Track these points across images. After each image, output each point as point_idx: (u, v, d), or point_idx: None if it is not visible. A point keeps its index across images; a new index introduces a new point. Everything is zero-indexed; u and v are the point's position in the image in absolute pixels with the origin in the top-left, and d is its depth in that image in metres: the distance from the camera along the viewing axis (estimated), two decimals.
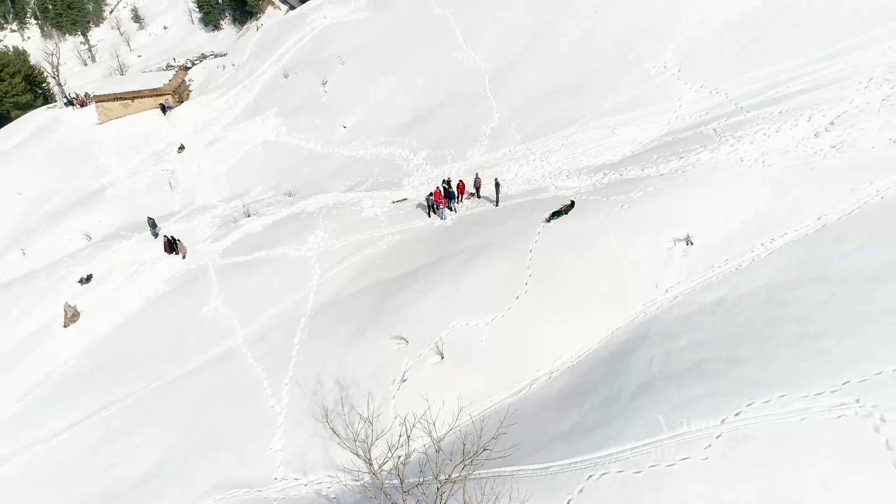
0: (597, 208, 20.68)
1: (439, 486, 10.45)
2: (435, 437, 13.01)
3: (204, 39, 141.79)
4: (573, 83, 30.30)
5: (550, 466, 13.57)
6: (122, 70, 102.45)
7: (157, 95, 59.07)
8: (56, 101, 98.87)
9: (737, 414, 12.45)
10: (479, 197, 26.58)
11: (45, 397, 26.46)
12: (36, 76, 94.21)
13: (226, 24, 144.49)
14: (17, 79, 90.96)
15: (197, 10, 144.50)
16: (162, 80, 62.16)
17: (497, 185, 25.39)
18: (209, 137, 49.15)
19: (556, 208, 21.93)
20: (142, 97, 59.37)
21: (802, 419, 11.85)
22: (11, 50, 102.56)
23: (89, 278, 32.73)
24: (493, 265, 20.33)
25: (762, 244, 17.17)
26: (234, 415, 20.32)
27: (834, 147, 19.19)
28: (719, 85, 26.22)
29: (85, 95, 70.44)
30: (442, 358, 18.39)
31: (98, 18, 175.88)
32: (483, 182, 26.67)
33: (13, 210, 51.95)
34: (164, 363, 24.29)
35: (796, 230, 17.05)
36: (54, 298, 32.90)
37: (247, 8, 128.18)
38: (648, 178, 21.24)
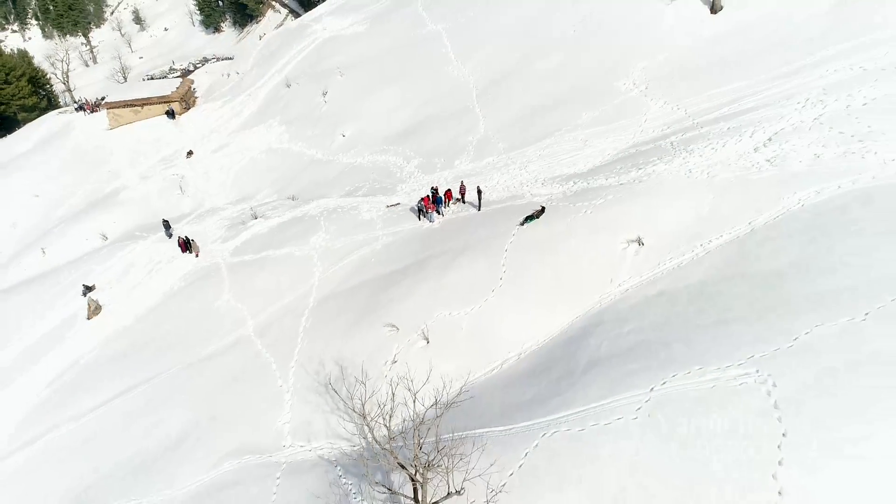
0: (564, 214, 23.38)
1: (416, 427, 13.04)
2: (412, 390, 15.76)
3: (204, 41, 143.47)
4: (553, 100, 32.97)
5: (513, 428, 16.27)
6: (124, 72, 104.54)
7: (165, 102, 61.72)
8: (60, 103, 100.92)
9: (662, 384, 15.14)
10: (463, 202, 29.23)
11: (73, 382, 29.16)
12: (39, 78, 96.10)
13: (226, 26, 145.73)
14: (24, 81, 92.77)
15: (198, 12, 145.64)
16: (170, 87, 64.69)
17: (479, 192, 28.06)
18: (216, 144, 51.71)
19: (529, 213, 24.66)
20: (151, 104, 61.95)
21: (713, 386, 14.55)
22: (16, 52, 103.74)
23: (92, 288, 35.44)
24: (473, 263, 23.05)
25: (701, 245, 19.87)
26: (247, 393, 23.04)
27: (769, 161, 21.88)
28: (680, 102, 28.95)
29: (96, 101, 73.02)
30: (427, 342, 21.06)
31: (99, 20, 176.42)
32: (468, 189, 29.38)
33: (31, 212, 54.47)
34: (182, 350, 27.01)
35: (730, 233, 19.75)
36: (77, 294, 35.58)
37: (247, 11, 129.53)
38: (610, 187, 23.95)
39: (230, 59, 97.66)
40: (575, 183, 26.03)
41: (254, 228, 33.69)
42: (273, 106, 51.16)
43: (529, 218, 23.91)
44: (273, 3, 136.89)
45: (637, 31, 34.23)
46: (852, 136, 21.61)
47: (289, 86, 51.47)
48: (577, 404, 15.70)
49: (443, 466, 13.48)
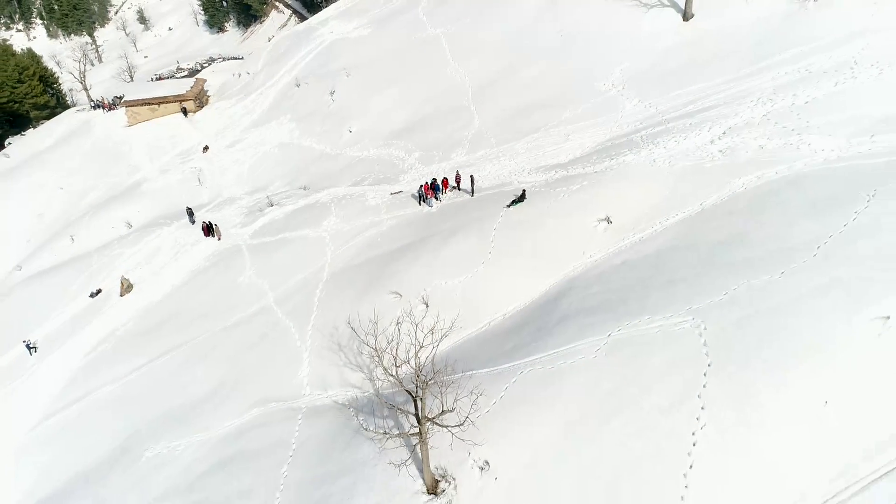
0: (545, 197, 26.65)
1: (417, 351, 16.14)
2: (413, 319, 18.96)
3: (209, 41, 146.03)
4: (540, 98, 36.13)
5: (496, 369, 19.46)
6: (130, 71, 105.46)
7: (180, 101, 64.78)
8: (68, 102, 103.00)
9: (618, 330, 18.31)
10: (459, 189, 32.36)
11: (113, 349, 32.40)
12: (48, 77, 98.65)
13: (230, 26, 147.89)
14: (35, 80, 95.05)
15: (202, 12, 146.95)
16: (184, 86, 67.74)
17: (472, 180, 31.21)
18: (230, 139, 54.80)
19: (520, 195, 27.82)
20: (167, 102, 65.09)
21: (658, 331, 17.70)
22: (25, 51, 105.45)
23: (98, 292, 38.25)
24: (465, 240, 26.30)
25: (659, 222, 23.03)
26: (270, 353, 26.29)
27: (721, 151, 25.02)
28: (652, 100, 32.11)
29: (113, 99, 76.03)
30: (427, 307, 24.21)
31: (103, 19, 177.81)
32: (462, 178, 32.50)
33: (57, 203, 57.59)
34: (210, 319, 30.23)
35: (684, 213, 22.92)
36: (109, 274, 38.69)
37: (251, 12, 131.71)
38: (586, 175, 27.13)
39: (237, 58, 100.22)
40: (556, 172, 29.21)
41: (270, 214, 36.96)
42: (284, 104, 54.31)
43: (515, 201, 27.16)
44: (276, 3, 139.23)
45: (616, 37, 37.42)
46: (793, 129, 24.78)
47: (298, 85, 54.63)
48: (548, 348, 18.93)
49: (438, 384, 16.63)
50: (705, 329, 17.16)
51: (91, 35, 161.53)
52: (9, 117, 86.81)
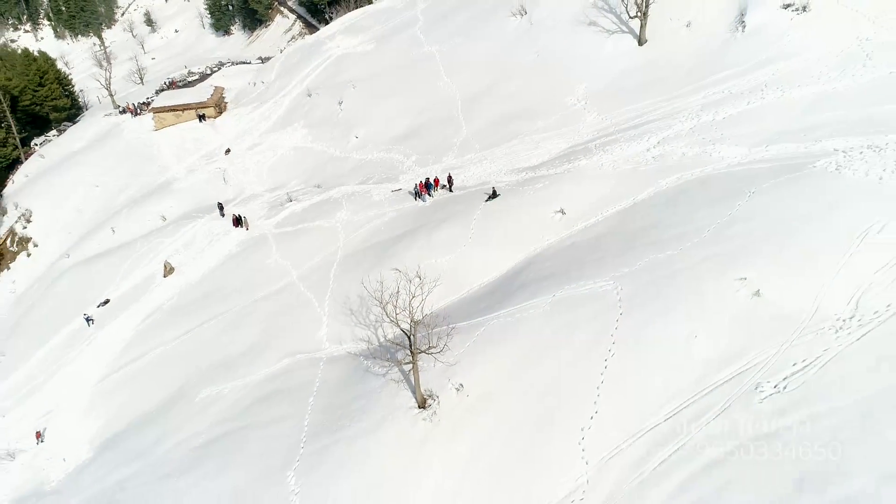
0: (515, 194, 32.75)
1: (410, 299, 21.99)
2: (403, 272, 24.80)
3: (214, 44, 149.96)
4: (517, 110, 42.02)
5: (472, 321, 25.37)
6: (140, 73, 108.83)
7: (202, 107, 70.42)
8: (80, 104, 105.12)
9: (560, 292, 24.12)
10: (450, 190, 38.23)
11: (161, 320, 38.25)
12: (63, 79, 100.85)
13: (235, 29, 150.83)
14: (55, 84, 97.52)
15: (208, 15, 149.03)
16: (205, 94, 73.33)
17: (450, 179, 37.60)
18: (249, 143, 60.47)
19: (490, 194, 33.67)
20: (190, 109, 70.74)
21: (588, 291, 23.51)
22: (40, 54, 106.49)
23: (106, 302, 43.19)
24: (451, 227, 32.38)
25: (601, 213, 28.98)
26: (296, 317, 32.26)
27: (654, 157, 30.89)
28: (608, 114, 37.93)
29: (137, 105, 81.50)
30: (420, 279, 29.99)
31: (110, 21, 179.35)
32: (454, 179, 38.39)
33: (94, 200, 63.18)
34: (244, 293, 36.17)
35: (619, 206, 28.84)
36: (152, 259, 44.45)
37: (257, 16, 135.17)
38: (548, 176, 33.08)
39: (245, 62, 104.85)
40: (526, 173, 35.22)
41: (290, 208, 42.86)
42: (297, 112, 60.00)
43: (490, 197, 33.07)
44: (281, 8, 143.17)
45: (582, 59, 43.18)
46: (710, 140, 30.67)
47: (310, 95, 60.32)
48: (510, 306, 24.89)
49: (425, 326, 22.45)
50: (621, 289, 23.03)
51: (99, 36, 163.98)
52: (29, 119, 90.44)
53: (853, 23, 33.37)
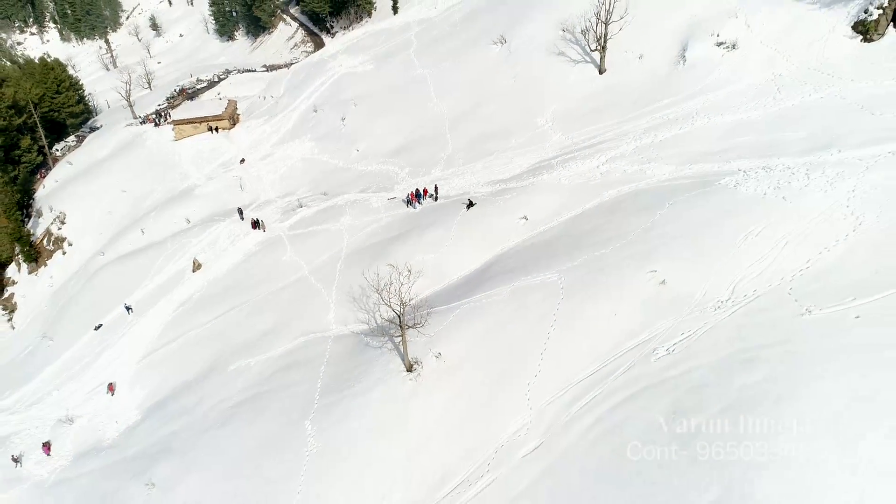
0: (489, 203, 38.76)
1: (399, 286, 27.79)
2: (395, 266, 30.48)
3: (218, 49, 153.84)
4: (495, 130, 47.86)
5: (449, 306, 31.12)
6: (148, 78, 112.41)
7: (218, 120, 76.10)
8: (90, 109, 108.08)
9: (518, 283, 29.89)
10: (434, 198, 44.00)
11: (192, 308, 44.04)
12: (77, 85, 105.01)
13: (239, 35, 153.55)
14: (71, 91, 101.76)
15: (213, 21, 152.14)
16: (220, 108, 78.99)
17: (436, 189, 43.33)
18: (262, 153, 66.20)
19: (468, 203, 39.46)
20: (207, 121, 76.40)
21: (540, 282, 29.28)
22: (53, 60, 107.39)
23: (100, 326, 48.20)
24: (437, 231, 38.33)
25: (556, 220, 34.81)
26: (307, 305, 38.28)
27: (601, 174, 36.70)
28: (572, 134, 43.67)
29: (156, 116, 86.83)
30: (410, 272, 35.76)
31: (115, 24, 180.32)
32: (439, 189, 44.16)
33: (122, 204, 68.72)
34: (263, 285, 42.10)
35: (571, 213, 34.60)
36: (181, 257, 50.17)
37: (260, 23, 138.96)
38: (517, 188, 39.04)
39: (251, 70, 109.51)
40: (499, 185, 41.20)
41: (301, 213, 48.87)
42: (304, 126, 65.82)
43: (469, 206, 39.01)
44: (284, 16, 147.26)
45: (553, 84, 48.88)
46: (647, 160, 36.43)
47: (315, 111, 66.25)
48: (478, 293, 30.79)
49: (412, 307, 28.28)
50: (563, 280, 28.85)
51: (106, 40, 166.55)
52: (47, 125, 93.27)
53: (771, 60, 39.16)
